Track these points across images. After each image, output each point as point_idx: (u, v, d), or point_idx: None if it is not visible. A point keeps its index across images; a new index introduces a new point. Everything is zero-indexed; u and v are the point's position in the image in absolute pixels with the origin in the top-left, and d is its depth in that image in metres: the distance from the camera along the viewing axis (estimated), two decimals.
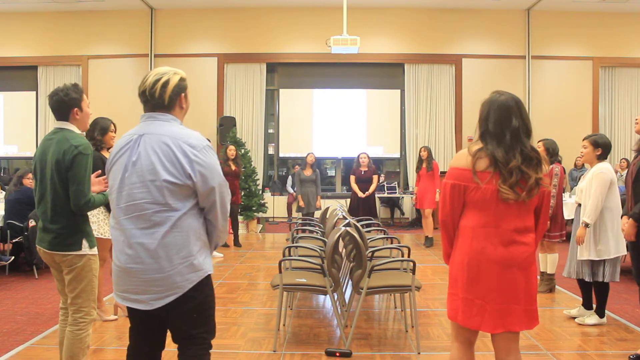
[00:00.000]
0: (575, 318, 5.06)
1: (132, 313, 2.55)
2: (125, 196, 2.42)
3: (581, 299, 5.20)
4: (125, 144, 2.47)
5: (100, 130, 4.76)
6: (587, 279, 4.81)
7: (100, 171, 4.01)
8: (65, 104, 3.22)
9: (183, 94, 2.53)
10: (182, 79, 2.52)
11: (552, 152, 6.10)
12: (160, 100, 2.46)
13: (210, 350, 2.57)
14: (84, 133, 3.32)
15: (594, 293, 4.98)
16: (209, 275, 2.52)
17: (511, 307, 2.55)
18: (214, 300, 2.58)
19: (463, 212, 2.64)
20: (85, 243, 3.22)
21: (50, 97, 3.26)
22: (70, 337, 3.18)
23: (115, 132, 5.03)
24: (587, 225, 4.71)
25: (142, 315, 2.48)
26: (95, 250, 3.29)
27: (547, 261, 6.15)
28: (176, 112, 2.52)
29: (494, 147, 2.54)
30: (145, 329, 2.57)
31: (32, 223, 6.78)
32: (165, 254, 2.38)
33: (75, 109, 3.25)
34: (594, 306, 5.01)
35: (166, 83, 2.46)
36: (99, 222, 4.67)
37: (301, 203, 10.08)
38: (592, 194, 4.69)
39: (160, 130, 2.43)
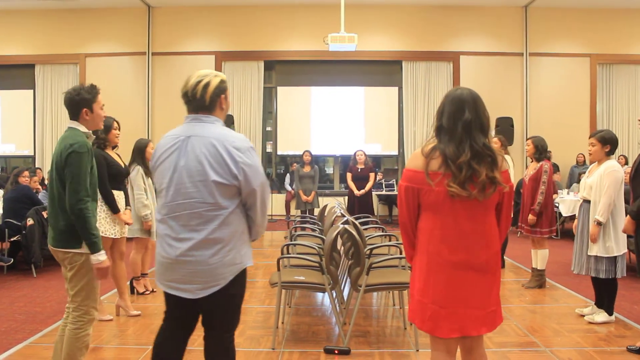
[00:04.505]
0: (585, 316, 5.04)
1: (172, 299, 2.71)
2: (174, 195, 2.58)
3: (579, 295, 5.20)
4: (171, 144, 2.64)
5: (103, 129, 4.74)
6: (602, 276, 4.76)
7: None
8: (74, 103, 3.23)
9: (223, 95, 2.68)
10: (222, 81, 2.68)
11: (541, 150, 6.11)
12: (202, 101, 2.61)
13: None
14: (91, 132, 3.30)
15: (602, 290, 4.95)
16: (246, 268, 2.69)
17: (468, 311, 2.48)
18: (244, 291, 2.76)
19: (420, 214, 2.57)
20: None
21: (64, 96, 3.28)
22: (69, 336, 3.15)
23: (119, 130, 5.04)
24: (599, 223, 4.68)
25: (183, 302, 2.63)
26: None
27: (538, 257, 6.16)
28: (217, 112, 2.67)
29: (446, 143, 2.47)
30: (183, 315, 2.74)
31: (30, 222, 6.78)
32: (212, 247, 2.55)
33: (85, 109, 3.23)
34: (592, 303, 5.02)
35: (207, 85, 2.61)
36: (100, 220, 4.66)
37: (303, 198, 10.07)
38: (604, 192, 4.66)
39: (206, 132, 2.58)
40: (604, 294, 4.92)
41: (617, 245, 4.69)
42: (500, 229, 2.62)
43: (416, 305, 2.57)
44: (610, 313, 4.91)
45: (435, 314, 2.49)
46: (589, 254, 4.80)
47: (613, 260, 4.71)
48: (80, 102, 3.22)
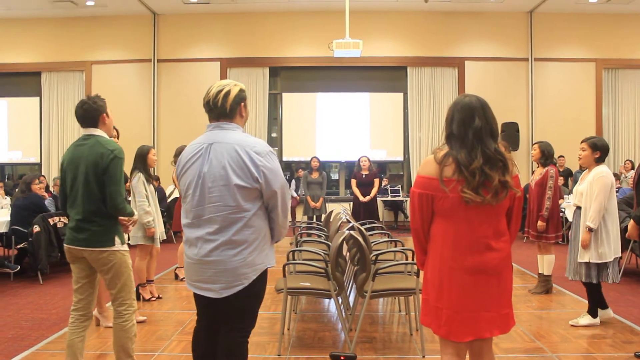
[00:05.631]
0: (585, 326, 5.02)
1: (200, 300, 2.85)
2: (200, 199, 2.71)
3: (586, 301, 5.17)
4: (195, 152, 2.76)
5: None
6: (594, 281, 4.79)
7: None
8: (95, 110, 3.48)
9: (243, 103, 2.82)
10: (241, 90, 2.83)
11: (548, 155, 6.10)
12: (223, 109, 2.76)
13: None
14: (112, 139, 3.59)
15: (589, 294, 4.99)
16: (267, 268, 2.82)
17: (481, 314, 2.51)
18: (264, 292, 2.88)
19: (433, 219, 2.60)
20: (117, 239, 3.45)
21: (80, 107, 3.50)
22: (117, 329, 3.48)
23: (117, 138, 5.03)
24: (591, 229, 4.70)
25: (210, 301, 2.77)
26: (126, 247, 3.54)
27: (544, 263, 6.15)
28: (237, 120, 2.81)
29: (458, 149, 2.49)
30: (211, 314, 2.87)
31: (36, 229, 6.79)
32: (236, 248, 2.68)
33: (104, 114, 3.52)
34: (599, 309, 5.00)
35: (227, 93, 2.76)
36: None
37: (311, 204, 10.05)
38: (594, 198, 4.69)
39: (227, 138, 2.72)
40: (593, 297, 4.97)
41: (610, 251, 4.72)
42: (510, 233, 2.64)
43: (432, 310, 2.59)
44: (594, 316, 4.95)
45: (450, 318, 2.52)
46: (579, 260, 4.84)
47: (604, 265, 4.75)
48: (98, 109, 3.50)
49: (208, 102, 2.78)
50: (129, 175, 5.56)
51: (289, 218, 2.96)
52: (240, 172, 2.64)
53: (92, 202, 3.37)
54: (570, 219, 9.14)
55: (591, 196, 4.72)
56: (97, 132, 3.49)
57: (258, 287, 2.78)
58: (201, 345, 2.93)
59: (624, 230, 6.16)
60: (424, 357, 4.20)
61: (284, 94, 13.43)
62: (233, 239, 2.67)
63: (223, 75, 12.95)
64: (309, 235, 7.41)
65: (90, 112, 3.47)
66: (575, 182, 11.94)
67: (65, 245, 3.51)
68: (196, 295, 2.86)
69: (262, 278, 2.80)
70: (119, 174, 3.38)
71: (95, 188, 3.36)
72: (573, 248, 5.01)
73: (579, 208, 4.95)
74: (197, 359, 2.95)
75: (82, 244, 3.39)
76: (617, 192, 9.01)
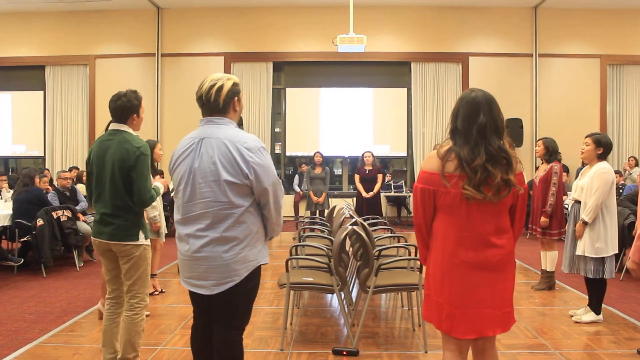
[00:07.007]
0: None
1: (194, 296, 2.85)
2: (190, 195, 2.69)
3: (587, 297, 5.18)
4: (187, 147, 2.73)
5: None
6: (590, 276, 4.81)
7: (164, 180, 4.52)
8: (126, 109, 3.52)
9: (236, 98, 2.77)
10: (235, 84, 2.76)
11: (552, 151, 6.10)
12: (216, 104, 2.70)
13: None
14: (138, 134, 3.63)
15: (591, 290, 4.99)
16: (260, 265, 2.78)
17: (483, 312, 2.50)
18: (258, 289, 2.84)
19: (435, 215, 2.58)
20: (141, 234, 3.53)
21: (114, 102, 3.53)
22: (127, 322, 3.51)
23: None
24: (585, 222, 4.76)
25: (203, 298, 2.76)
26: (149, 241, 3.60)
27: (547, 259, 6.14)
28: (230, 114, 2.76)
29: (461, 145, 2.47)
30: (206, 310, 2.83)
31: (40, 222, 6.81)
32: (227, 245, 2.65)
33: (134, 114, 3.56)
34: (602, 305, 5.00)
35: (220, 88, 2.71)
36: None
37: (314, 199, 10.02)
38: (593, 193, 4.72)
39: (219, 133, 2.67)
40: (592, 293, 4.97)
41: (607, 247, 4.74)
42: (514, 231, 2.62)
43: (433, 305, 2.59)
44: (597, 313, 4.94)
45: (451, 314, 2.51)
46: (576, 253, 4.88)
47: (601, 260, 4.77)
48: (131, 107, 3.53)
49: (201, 97, 2.73)
50: None
51: (283, 214, 2.93)
52: (230, 167, 2.60)
53: (118, 197, 3.44)
54: None
55: (591, 191, 4.76)
56: (124, 128, 3.54)
57: (251, 284, 2.75)
58: (199, 342, 2.92)
59: (628, 227, 6.17)
60: (426, 352, 4.20)
61: (287, 89, 13.43)
62: (224, 236, 2.64)
63: (227, 70, 12.94)
64: (312, 230, 7.42)
65: (121, 109, 3.51)
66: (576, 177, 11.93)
67: (92, 237, 3.63)
68: (191, 292, 2.84)
69: (255, 275, 2.76)
70: (145, 171, 3.44)
71: (120, 184, 3.42)
72: (570, 242, 5.04)
73: (577, 202, 4.98)
74: (196, 355, 2.95)
75: (108, 238, 3.48)
76: (621, 189, 9.04)
